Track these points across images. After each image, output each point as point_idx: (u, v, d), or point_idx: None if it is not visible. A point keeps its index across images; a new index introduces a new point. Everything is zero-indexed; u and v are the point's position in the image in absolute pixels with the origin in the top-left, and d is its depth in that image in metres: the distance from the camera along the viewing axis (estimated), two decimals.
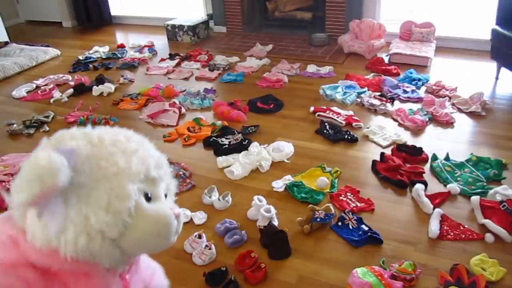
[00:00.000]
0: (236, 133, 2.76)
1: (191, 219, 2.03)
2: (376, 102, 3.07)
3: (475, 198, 2.02)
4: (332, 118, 2.88)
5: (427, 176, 2.29)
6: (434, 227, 1.88)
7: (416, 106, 3.02)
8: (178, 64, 4.14)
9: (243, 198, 2.16)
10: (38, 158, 0.67)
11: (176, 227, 0.83)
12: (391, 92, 3.23)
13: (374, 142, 2.63)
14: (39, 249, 0.74)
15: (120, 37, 5.35)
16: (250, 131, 2.79)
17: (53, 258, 0.74)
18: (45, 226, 0.72)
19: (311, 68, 3.82)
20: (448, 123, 2.81)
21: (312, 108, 3.04)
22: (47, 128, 2.99)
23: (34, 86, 3.75)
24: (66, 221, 0.72)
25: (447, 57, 4.01)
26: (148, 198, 0.80)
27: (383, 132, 2.70)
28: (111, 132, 0.82)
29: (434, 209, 2.00)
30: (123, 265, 0.86)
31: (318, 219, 1.91)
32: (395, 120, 2.88)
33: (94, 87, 3.58)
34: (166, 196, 0.87)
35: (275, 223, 1.95)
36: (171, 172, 0.92)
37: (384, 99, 3.11)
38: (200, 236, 1.88)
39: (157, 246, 0.83)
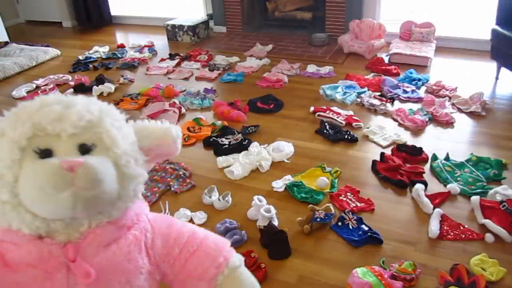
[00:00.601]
0: (236, 133, 2.77)
1: (191, 219, 2.03)
2: (376, 102, 3.07)
3: (475, 198, 2.02)
4: (332, 118, 2.88)
5: (427, 176, 2.29)
6: (434, 227, 1.88)
7: (416, 106, 3.02)
8: (178, 64, 4.14)
9: (243, 198, 2.16)
10: None
11: (69, 180, 0.71)
12: (391, 92, 3.23)
13: (374, 142, 2.63)
14: None
15: (120, 37, 5.35)
16: (250, 131, 2.79)
17: None
18: None
19: (311, 68, 3.82)
20: (448, 123, 2.81)
21: (312, 108, 3.04)
22: None
23: (34, 86, 3.75)
24: None
25: (447, 57, 4.01)
26: (48, 155, 0.74)
27: (383, 132, 2.70)
28: (36, 100, 0.81)
29: (434, 209, 2.00)
30: (64, 233, 0.77)
31: (318, 219, 1.91)
32: (395, 120, 2.88)
33: (94, 87, 3.58)
34: (89, 150, 0.77)
35: (275, 223, 1.95)
36: (109, 127, 0.80)
37: (384, 99, 3.11)
38: None
39: (51, 202, 0.72)
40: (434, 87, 3.27)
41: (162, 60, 4.26)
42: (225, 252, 0.90)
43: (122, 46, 4.78)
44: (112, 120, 0.82)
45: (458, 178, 2.24)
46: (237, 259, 0.91)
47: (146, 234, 0.88)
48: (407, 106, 3.05)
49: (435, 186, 2.21)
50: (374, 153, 2.50)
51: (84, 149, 0.77)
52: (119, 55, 4.45)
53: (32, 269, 0.76)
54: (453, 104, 3.04)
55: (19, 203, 0.73)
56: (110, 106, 0.87)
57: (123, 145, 0.81)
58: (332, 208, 1.99)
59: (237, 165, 2.41)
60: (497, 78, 3.42)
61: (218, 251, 0.89)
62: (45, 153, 0.74)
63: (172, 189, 2.26)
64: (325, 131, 2.74)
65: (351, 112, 2.98)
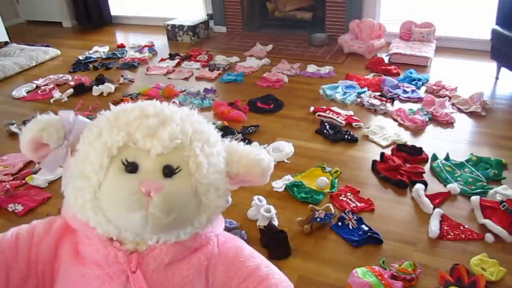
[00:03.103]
0: (236, 133, 2.77)
1: None
2: (376, 102, 3.07)
3: (475, 198, 2.02)
4: (332, 118, 2.88)
5: (427, 176, 2.29)
6: (434, 227, 1.88)
7: (416, 106, 3.02)
8: (178, 64, 4.14)
9: (243, 198, 2.16)
10: (43, 116, 0.81)
11: (143, 202, 0.71)
12: (391, 92, 3.23)
13: (374, 142, 2.63)
14: (64, 203, 0.84)
15: (120, 37, 5.35)
16: (250, 131, 2.79)
17: (67, 212, 0.84)
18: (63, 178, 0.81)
19: (311, 68, 3.82)
20: (448, 123, 2.81)
21: (312, 108, 3.04)
22: None
23: (34, 86, 3.75)
24: (65, 180, 0.80)
25: (447, 57, 4.01)
26: (133, 168, 0.74)
27: (383, 132, 2.70)
28: (143, 104, 0.83)
29: (434, 209, 2.00)
30: (133, 242, 0.79)
31: (318, 219, 1.91)
32: (395, 120, 2.88)
33: (94, 87, 3.58)
34: (173, 172, 0.75)
35: (275, 223, 1.95)
36: (199, 153, 0.77)
37: (384, 99, 3.11)
38: None
39: (122, 218, 0.75)
40: (434, 87, 3.27)
41: (162, 60, 4.26)
42: None
43: (122, 46, 4.78)
44: (204, 144, 0.79)
45: (458, 178, 2.24)
46: None
47: (211, 259, 0.85)
48: (407, 106, 3.05)
49: (435, 186, 2.20)
50: (374, 153, 2.50)
51: (169, 171, 0.75)
52: (119, 55, 4.45)
53: (96, 268, 0.79)
54: (453, 104, 3.04)
55: (98, 204, 0.76)
56: (209, 125, 0.85)
57: (208, 173, 0.78)
58: (332, 208, 1.99)
59: None
60: (497, 78, 3.42)
61: None
62: (131, 166, 0.75)
63: None
64: (325, 131, 2.74)
65: (351, 112, 2.98)
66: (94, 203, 0.76)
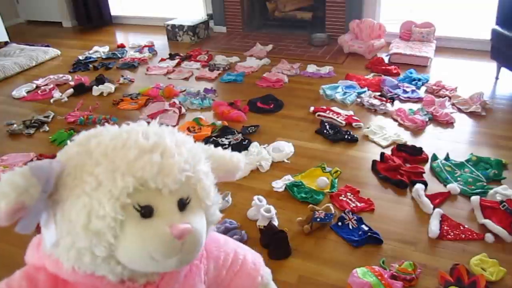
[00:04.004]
0: (236, 133, 2.77)
1: None
2: (376, 102, 3.07)
3: (475, 198, 2.02)
4: (332, 118, 2.88)
5: (427, 176, 2.29)
6: (434, 227, 1.88)
7: (416, 106, 3.02)
8: (178, 64, 4.14)
9: (243, 198, 2.16)
10: (12, 174, 0.66)
11: (178, 248, 0.70)
12: (391, 92, 3.23)
13: (374, 142, 2.63)
14: (47, 256, 0.73)
15: (120, 37, 5.35)
16: (250, 131, 2.79)
17: (59, 267, 0.72)
18: (43, 237, 0.72)
19: (311, 68, 3.82)
20: (448, 123, 2.81)
21: (312, 108, 3.04)
22: (47, 128, 2.99)
23: (34, 86, 3.75)
24: (57, 236, 0.70)
25: (447, 57, 4.01)
26: (147, 212, 0.70)
27: (383, 132, 2.70)
28: (113, 134, 0.74)
29: (434, 209, 2.00)
30: (145, 276, 0.76)
31: (318, 219, 1.91)
32: (395, 120, 2.88)
33: (94, 87, 3.58)
34: (185, 205, 0.74)
35: (275, 223, 1.95)
36: (204, 174, 0.78)
37: (384, 99, 3.11)
38: None
39: (157, 267, 0.72)
40: (434, 87, 3.27)
41: (162, 60, 4.26)
42: (261, 271, 0.99)
43: (122, 46, 4.78)
44: (201, 165, 0.78)
45: (458, 178, 2.24)
46: (268, 274, 1.01)
47: (202, 260, 0.88)
48: (407, 106, 3.05)
49: (435, 186, 2.20)
50: (374, 153, 2.50)
51: (182, 204, 0.74)
52: (119, 55, 4.45)
53: None
54: (453, 104, 3.04)
55: (112, 256, 0.70)
56: (193, 143, 0.83)
57: (212, 193, 0.79)
58: (332, 208, 1.99)
59: None
60: (497, 78, 3.42)
61: (256, 270, 0.98)
62: (146, 210, 0.69)
63: None
64: (325, 131, 2.74)
65: (351, 112, 2.98)
66: (106, 256, 0.69)
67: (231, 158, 0.89)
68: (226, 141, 2.66)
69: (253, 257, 0.99)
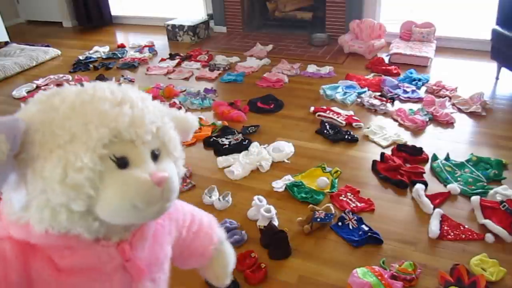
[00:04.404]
0: (236, 133, 2.77)
1: None
2: (376, 102, 3.07)
3: (475, 198, 2.02)
4: (332, 118, 2.88)
5: (427, 176, 2.29)
6: (434, 227, 1.88)
7: (416, 106, 3.02)
8: (178, 64, 4.14)
9: (243, 198, 2.16)
10: None
11: (159, 195, 0.71)
12: (391, 92, 3.23)
13: (374, 142, 2.63)
14: (14, 222, 0.70)
15: (120, 37, 5.35)
16: (250, 131, 2.79)
17: (28, 231, 0.70)
18: (11, 201, 0.70)
19: (311, 68, 3.82)
20: (448, 123, 2.81)
21: (312, 108, 3.04)
22: None
23: (34, 86, 3.75)
24: (28, 196, 0.68)
25: (447, 57, 4.01)
26: (123, 164, 0.70)
27: (383, 132, 2.70)
28: (77, 90, 0.73)
29: (434, 209, 2.00)
30: (120, 233, 0.76)
31: (318, 219, 1.91)
32: (395, 120, 2.88)
33: None
34: (157, 156, 0.75)
35: (275, 223, 1.95)
36: (181, 119, 0.82)
37: (384, 99, 3.11)
38: None
39: (139, 217, 0.72)
40: (434, 87, 3.27)
41: (162, 60, 4.26)
42: (216, 230, 1.06)
43: (122, 46, 4.78)
44: (167, 119, 0.80)
45: (458, 178, 2.24)
46: (222, 234, 1.08)
47: (166, 220, 0.90)
48: (407, 106, 3.05)
49: (435, 186, 2.20)
50: (374, 153, 2.50)
51: (154, 155, 0.75)
52: (119, 55, 4.45)
53: (90, 273, 0.74)
54: (453, 104, 3.04)
55: (89, 211, 0.69)
56: (156, 101, 0.83)
57: (180, 148, 0.81)
58: (332, 208, 2.00)
59: (237, 165, 2.41)
60: (497, 78, 3.42)
61: (212, 229, 1.05)
62: (122, 161, 0.70)
63: None
64: (325, 131, 2.74)
65: (351, 112, 2.98)
66: (83, 211, 0.68)
67: (186, 117, 0.91)
68: (226, 141, 2.66)
69: (208, 219, 1.06)
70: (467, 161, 2.36)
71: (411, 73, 3.55)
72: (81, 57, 4.43)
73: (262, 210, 1.96)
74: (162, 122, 0.77)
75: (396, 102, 3.13)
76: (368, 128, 2.74)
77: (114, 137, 0.69)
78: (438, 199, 2.08)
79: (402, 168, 2.30)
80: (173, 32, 4.92)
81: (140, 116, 0.72)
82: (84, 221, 0.69)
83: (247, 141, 2.65)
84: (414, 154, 2.44)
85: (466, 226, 1.91)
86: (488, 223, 1.89)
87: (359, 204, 2.09)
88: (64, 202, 0.66)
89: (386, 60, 3.90)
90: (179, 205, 1.00)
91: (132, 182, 0.69)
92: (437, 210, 1.99)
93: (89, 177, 0.66)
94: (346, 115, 2.93)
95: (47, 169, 0.65)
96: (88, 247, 0.73)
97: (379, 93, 3.24)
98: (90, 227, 0.70)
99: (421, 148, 2.47)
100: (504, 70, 3.34)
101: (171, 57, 4.31)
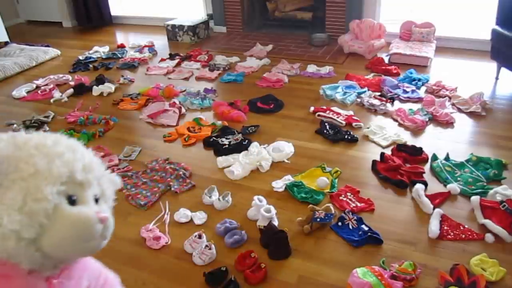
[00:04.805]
0: (236, 133, 2.77)
1: (191, 219, 2.03)
2: (376, 102, 3.07)
3: (475, 198, 2.02)
4: (332, 118, 2.88)
5: (427, 176, 2.29)
6: (434, 227, 1.88)
7: (416, 106, 3.02)
8: (178, 64, 4.14)
9: (243, 198, 2.16)
10: None
11: (100, 231, 0.82)
12: (391, 92, 3.23)
13: (374, 142, 2.63)
14: None
15: (120, 37, 5.35)
16: (250, 131, 2.79)
17: None
18: None
19: (311, 68, 3.82)
20: (448, 123, 2.81)
21: (312, 108, 3.04)
22: (47, 128, 2.99)
23: (34, 86, 3.75)
24: None
25: (447, 57, 4.01)
26: (72, 201, 0.80)
27: (383, 132, 2.70)
28: (38, 136, 0.84)
29: (434, 209, 2.00)
30: (51, 268, 0.84)
31: (318, 219, 1.91)
32: (395, 120, 2.88)
33: (94, 87, 3.58)
34: (98, 200, 0.87)
35: (275, 223, 1.95)
36: (113, 179, 0.94)
37: (384, 99, 3.11)
38: (200, 236, 1.88)
39: (79, 250, 0.82)
40: (434, 87, 3.27)
41: (162, 60, 4.26)
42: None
43: (122, 46, 4.78)
44: (105, 171, 0.93)
45: (458, 178, 2.24)
46: None
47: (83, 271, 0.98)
48: (407, 106, 3.05)
49: (435, 186, 2.20)
50: (374, 153, 2.50)
51: (96, 199, 0.86)
52: (119, 55, 4.45)
53: None
54: (453, 104, 3.04)
55: (35, 241, 0.76)
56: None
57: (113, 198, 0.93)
58: (332, 208, 2.00)
59: (237, 165, 2.41)
60: (497, 78, 3.42)
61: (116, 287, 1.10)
62: (72, 199, 0.80)
63: (172, 189, 2.26)
64: (325, 131, 2.74)
65: (351, 112, 2.98)
66: (30, 240, 0.75)
67: (113, 176, 1.00)
68: (226, 141, 2.66)
69: (112, 276, 1.11)
70: (467, 161, 2.36)
71: (411, 73, 3.55)
72: (81, 57, 4.43)
73: (262, 210, 1.96)
74: (103, 173, 0.91)
75: (396, 102, 3.13)
76: (368, 128, 2.74)
77: (69, 178, 0.79)
78: (438, 199, 2.08)
79: (402, 168, 2.30)
80: (173, 32, 4.92)
81: (91, 163, 0.86)
82: (28, 249, 0.76)
83: (247, 141, 2.65)
84: (414, 154, 2.44)
85: (466, 226, 1.91)
86: (488, 223, 1.89)
87: (359, 204, 2.09)
88: (17, 228, 0.73)
89: (386, 60, 3.90)
90: (89, 259, 1.06)
91: (81, 216, 0.79)
92: (437, 210, 1.99)
93: (45, 208, 0.74)
94: (346, 115, 2.93)
95: (8, 196, 0.74)
96: (23, 277, 0.79)
97: (379, 93, 3.24)
98: (32, 256, 0.77)
99: (421, 148, 2.47)
100: (504, 70, 3.35)
101: (171, 57, 4.31)
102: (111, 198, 0.93)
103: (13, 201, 0.73)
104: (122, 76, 3.85)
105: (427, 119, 2.82)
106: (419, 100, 3.12)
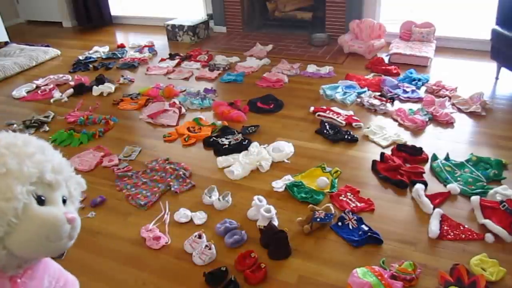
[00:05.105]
0: (236, 133, 2.77)
1: (191, 219, 2.03)
2: (376, 102, 3.07)
3: (475, 198, 2.02)
4: (332, 118, 2.88)
5: (427, 176, 2.29)
6: (434, 227, 1.88)
7: (416, 106, 3.02)
8: (178, 64, 4.14)
9: (243, 198, 2.16)
10: None
11: (68, 232, 0.83)
12: (391, 92, 3.23)
13: (374, 142, 2.63)
14: None
15: (120, 37, 5.35)
16: (250, 131, 2.79)
17: None
18: None
19: (311, 68, 3.82)
20: (448, 123, 2.81)
21: (312, 108, 3.04)
22: (47, 128, 2.99)
23: (34, 86, 3.75)
24: None
25: (447, 57, 4.01)
26: (41, 201, 0.81)
27: (383, 132, 2.70)
28: (9, 136, 0.85)
29: (434, 209, 2.00)
30: (15, 268, 0.85)
31: (318, 219, 1.91)
32: (395, 120, 2.88)
33: (94, 87, 3.58)
34: (65, 201, 0.88)
35: (275, 223, 1.95)
36: (79, 181, 0.96)
37: (384, 99, 3.11)
38: (200, 236, 1.88)
39: (46, 249, 0.83)
40: (434, 87, 3.27)
41: (162, 60, 4.26)
42: None
43: (122, 46, 4.79)
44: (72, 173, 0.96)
45: (458, 178, 2.24)
46: None
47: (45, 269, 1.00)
48: (407, 106, 3.05)
49: (435, 186, 2.20)
50: (374, 153, 2.50)
51: (63, 200, 0.88)
52: (119, 55, 4.45)
53: None
54: (453, 104, 3.04)
55: (2, 239, 0.77)
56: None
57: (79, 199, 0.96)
58: (332, 208, 2.00)
59: (237, 165, 2.41)
60: (497, 78, 3.42)
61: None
62: (41, 199, 0.81)
63: (172, 189, 2.26)
64: (325, 131, 2.74)
65: (351, 112, 2.98)
66: (2, 239, 0.77)
67: (79, 178, 1.02)
68: (226, 141, 2.66)
69: (72, 278, 1.13)
70: (467, 161, 2.36)
71: (411, 73, 3.55)
72: (81, 57, 4.43)
73: (262, 210, 1.96)
74: (71, 175, 0.93)
75: (396, 102, 3.13)
76: (368, 128, 2.74)
77: (39, 178, 0.81)
78: (438, 199, 2.08)
79: (402, 168, 2.30)
80: (173, 32, 4.92)
81: (60, 164, 0.87)
82: None
83: (247, 141, 2.65)
84: (414, 154, 2.44)
85: (466, 226, 1.91)
86: (488, 223, 1.89)
87: (359, 204, 2.09)
88: None
89: (386, 60, 3.90)
90: (49, 260, 1.06)
91: (50, 216, 0.80)
92: (437, 210, 1.99)
93: (14, 207, 0.75)
94: (346, 115, 2.93)
95: None
96: None
97: (379, 93, 3.24)
98: None
99: (421, 148, 2.47)
100: (504, 70, 3.35)
101: (171, 57, 4.31)
102: (78, 199, 0.95)
103: None
104: (122, 76, 3.85)
105: (427, 119, 2.82)
106: (419, 100, 3.12)
